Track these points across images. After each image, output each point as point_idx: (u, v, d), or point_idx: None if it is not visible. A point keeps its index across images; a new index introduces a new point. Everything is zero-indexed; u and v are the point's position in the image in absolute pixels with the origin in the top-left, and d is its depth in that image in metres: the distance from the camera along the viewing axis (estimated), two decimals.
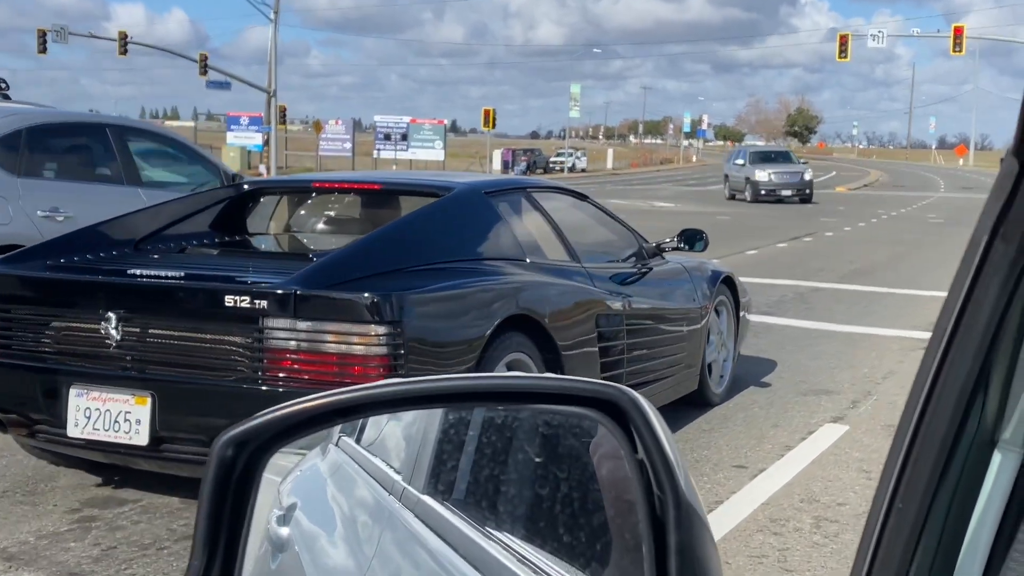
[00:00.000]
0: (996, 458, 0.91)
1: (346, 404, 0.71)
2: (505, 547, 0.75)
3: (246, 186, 5.00)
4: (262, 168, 50.48)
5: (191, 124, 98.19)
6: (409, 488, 0.91)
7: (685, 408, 5.61)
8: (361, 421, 0.93)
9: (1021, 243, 0.70)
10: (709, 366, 5.81)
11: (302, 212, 5.28)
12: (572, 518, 0.69)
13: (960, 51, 33.85)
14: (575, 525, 0.68)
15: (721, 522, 3.93)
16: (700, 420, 5.54)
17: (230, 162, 55.77)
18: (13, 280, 3.77)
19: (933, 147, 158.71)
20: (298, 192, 5.25)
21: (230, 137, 56.77)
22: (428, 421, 0.90)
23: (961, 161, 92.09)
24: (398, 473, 0.94)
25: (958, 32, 33.79)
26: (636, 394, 0.62)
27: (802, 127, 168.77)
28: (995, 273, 0.71)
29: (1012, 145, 0.69)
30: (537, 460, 0.73)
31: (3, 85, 8.98)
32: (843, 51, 36.68)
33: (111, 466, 4.09)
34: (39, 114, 7.29)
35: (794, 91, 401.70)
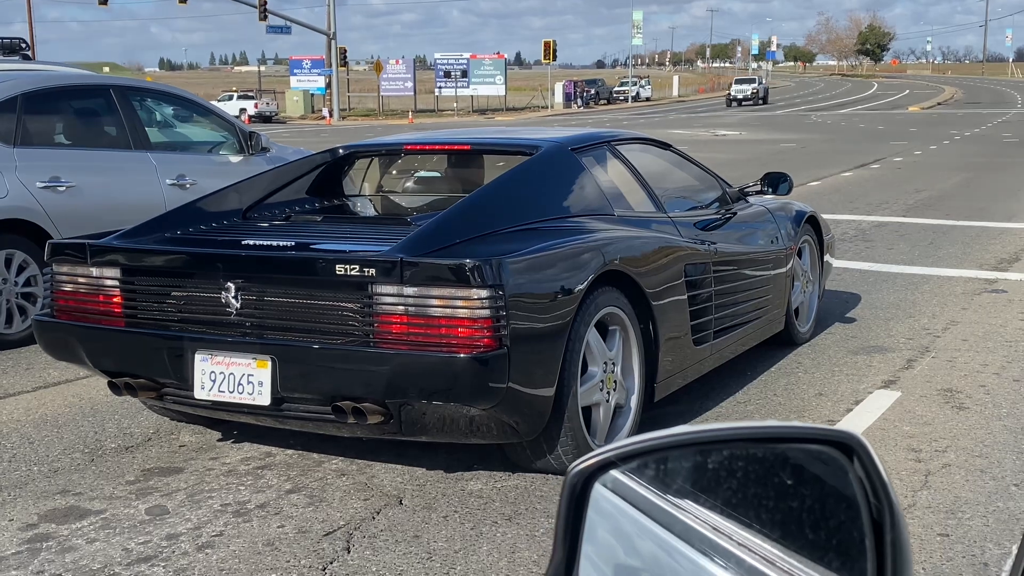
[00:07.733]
0: None
1: (667, 444, 0.94)
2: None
3: (341, 150, 5.18)
4: (325, 111, 50.80)
5: (256, 69, 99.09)
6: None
7: (748, 361, 5.51)
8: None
9: None
10: (796, 307, 5.90)
11: (394, 174, 5.47)
12: (816, 523, 0.90)
13: None
14: (819, 528, 0.90)
15: None
16: (738, 393, 5.01)
17: (294, 106, 56.12)
18: (135, 253, 4.01)
19: (1010, 60, 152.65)
20: (390, 155, 5.42)
21: (293, 81, 57.21)
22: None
23: None
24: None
25: None
26: (861, 435, 0.87)
27: (874, 45, 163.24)
28: None
29: None
30: (789, 483, 0.94)
31: (23, 45, 8.84)
32: None
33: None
34: (37, 79, 6.80)
35: (865, 8, 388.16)
